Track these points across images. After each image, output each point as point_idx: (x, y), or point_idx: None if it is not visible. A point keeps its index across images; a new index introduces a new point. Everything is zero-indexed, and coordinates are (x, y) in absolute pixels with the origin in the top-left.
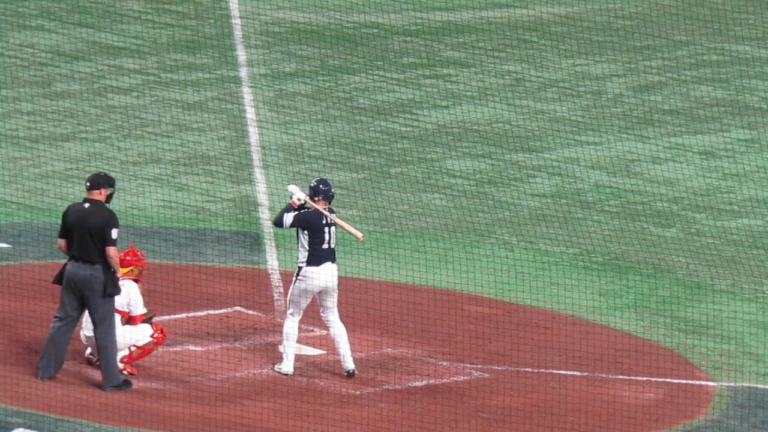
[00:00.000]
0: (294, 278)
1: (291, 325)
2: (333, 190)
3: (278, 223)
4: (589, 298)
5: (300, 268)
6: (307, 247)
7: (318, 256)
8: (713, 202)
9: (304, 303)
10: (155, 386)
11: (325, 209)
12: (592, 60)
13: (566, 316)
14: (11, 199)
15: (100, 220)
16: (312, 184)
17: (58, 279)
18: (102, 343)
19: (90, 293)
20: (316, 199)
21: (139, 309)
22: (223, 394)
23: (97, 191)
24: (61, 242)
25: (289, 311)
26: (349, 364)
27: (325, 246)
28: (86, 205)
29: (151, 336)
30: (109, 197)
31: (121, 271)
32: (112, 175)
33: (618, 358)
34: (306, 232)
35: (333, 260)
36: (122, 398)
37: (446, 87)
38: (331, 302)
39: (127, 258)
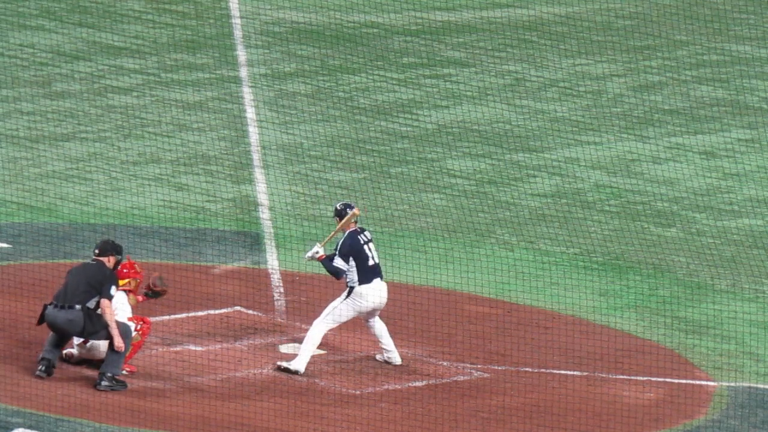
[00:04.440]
0: (344, 296)
1: (319, 333)
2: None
3: (338, 274)
4: (589, 298)
5: (352, 288)
6: (355, 269)
7: (367, 272)
8: (713, 202)
9: (347, 319)
10: (155, 386)
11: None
12: (592, 60)
13: (566, 316)
14: (11, 199)
15: (101, 275)
16: (338, 207)
17: (41, 321)
18: (113, 347)
19: (75, 334)
20: (352, 225)
21: (121, 317)
22: (223, 394)
23: (106, 257)
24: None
25: (325, 321)
26: (397, 359)
27: (371, 262)
28: (92, 261)
29: (136, 330)
30: (116, 264)
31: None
32: (119, 242)
33: (618, 358)
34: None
35: (381, 277)
36: (122, 398)
37: (446, 87)
38: (373, 319)
39: (124, 270)
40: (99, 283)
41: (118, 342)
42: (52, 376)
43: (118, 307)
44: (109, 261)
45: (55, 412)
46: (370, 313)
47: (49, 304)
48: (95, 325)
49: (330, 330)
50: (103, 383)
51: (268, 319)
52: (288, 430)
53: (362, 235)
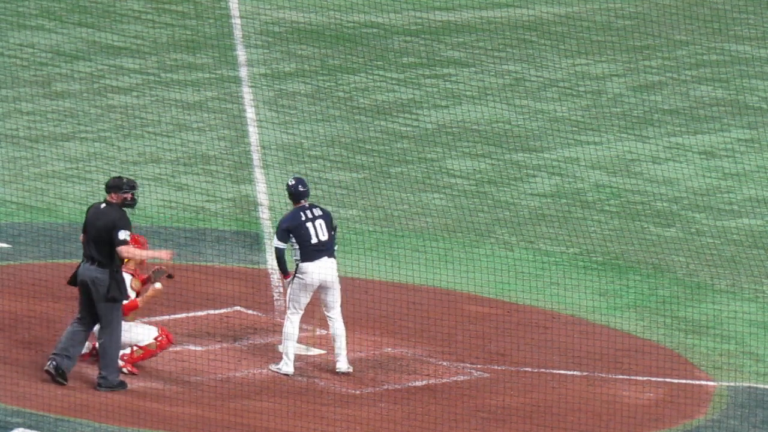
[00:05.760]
0: (292, 276)
1: (291, 325)
2: (303, 188)
3: (277, 252)
4: (589, 298)
5: (297, 265)
6: (297, 246)
7: (310, 251)
8: (713, 202)
9: (304, 300)
10: (155, 386)
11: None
12: (592, 60)
13: (566, 316)
14: (11, 199)
15: (109, 222)
16: (290, 183)
17: (72, 280)
18: (105, 345)
19: (95, 295)
20: (301, 201)
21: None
22: (223, 394)
23: (110, 195)
24: (82, 237)
25: (289, 311)
26: (342, 365)
27: (314, 240)
28: (102, 205)
29: (155, 338)
30: (125, 201)
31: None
32: (132, 178)
33: (618, 358)
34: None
35: (330, 255)
36: (122, 398)
37: (446, 87)
38: (332, 299)
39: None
40: (108, 230)
41: (162, 254)
42: (60, 374)
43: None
44: (112, 198)
45: (55, 412)
46: (325, 295)
47: (81, 262)
48: (120, 292)
49: (299, 319)
50: (103, 385)
51: (268, 319)
52: (288, 430)
53: (308, 211)
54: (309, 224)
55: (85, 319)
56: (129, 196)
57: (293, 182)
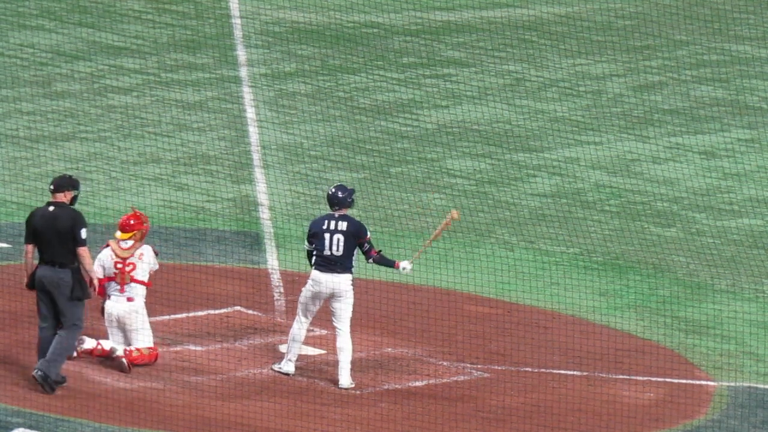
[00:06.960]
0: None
1: (297, 327)
2: (346, 197)
3: (307, 252)
4: (589, 298)
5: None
6: (314, 252)
7: (320, 261)
8: (713, 202)
9: (311, 307)
10: (155, 386)
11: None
12: (592, 60)
13: (566, 316)
14: (11, 198)
15: (68, 221)
16: (331, 190)
17: (30, 284)
18: (61, 340)
19: (58, 295)
20: (333, 209)
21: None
22: (223, 394)
23: (61, 194)
24: (28, 247)
25: (298, 313)
26: (344, 380)
27: (327, 252)
28: (51, 208)
29: (149, 348)
30: (73, 199)
31: (123, 236)
32: (76, 177)
33: (618, 358)
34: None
35: (342, 270)
36: (122, 398)
37: (446, 87)
38: (339, 309)
39: (131, 222)
40: (68, 230)
41: (95, 280)
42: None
43: (152, 262)
44: (65, 196)
45: (55, 412)
46: (331, 305)
47: (39, 264)
48: (84, 291)
49: (307, 323)
50: (38, 374)
51: (268, 319)
52: (288, 430)
53: (333, 222)
54: (327, 235)
55: (50, 321)
56: (77, 193)
57: (333, 190)
